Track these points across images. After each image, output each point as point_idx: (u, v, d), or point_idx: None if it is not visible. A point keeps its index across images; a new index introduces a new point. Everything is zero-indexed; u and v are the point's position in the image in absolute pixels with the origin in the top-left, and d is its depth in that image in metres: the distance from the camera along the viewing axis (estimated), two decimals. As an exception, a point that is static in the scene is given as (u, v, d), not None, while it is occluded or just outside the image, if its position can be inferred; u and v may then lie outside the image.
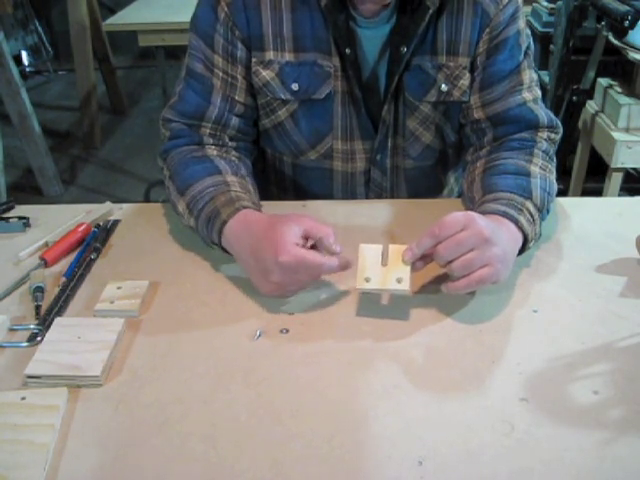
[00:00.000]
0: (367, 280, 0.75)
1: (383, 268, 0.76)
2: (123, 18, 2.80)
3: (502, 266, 0.76)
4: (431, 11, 0.92)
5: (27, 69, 4.65)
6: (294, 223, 0.76)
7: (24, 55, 4.66)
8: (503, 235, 0.78)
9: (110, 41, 3.68)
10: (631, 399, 0.66)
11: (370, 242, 0.92)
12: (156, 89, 3.99)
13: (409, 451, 0.60)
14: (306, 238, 0.77)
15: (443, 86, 1.00)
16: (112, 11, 3.60)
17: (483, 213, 0.84)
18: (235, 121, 0.99)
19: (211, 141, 0.98)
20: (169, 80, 2.69)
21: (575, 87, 2.28)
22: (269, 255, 0.74)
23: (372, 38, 0.97)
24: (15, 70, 2.74)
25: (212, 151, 0.96)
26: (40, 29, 4.74)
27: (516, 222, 0.82)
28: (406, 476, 0.58)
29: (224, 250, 0.85)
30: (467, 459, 0.59)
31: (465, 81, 1.00)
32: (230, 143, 1.00)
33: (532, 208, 0.86)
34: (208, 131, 0.98)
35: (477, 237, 0.73)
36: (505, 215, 0.83)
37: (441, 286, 0.77)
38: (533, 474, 0.58)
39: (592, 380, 0.68)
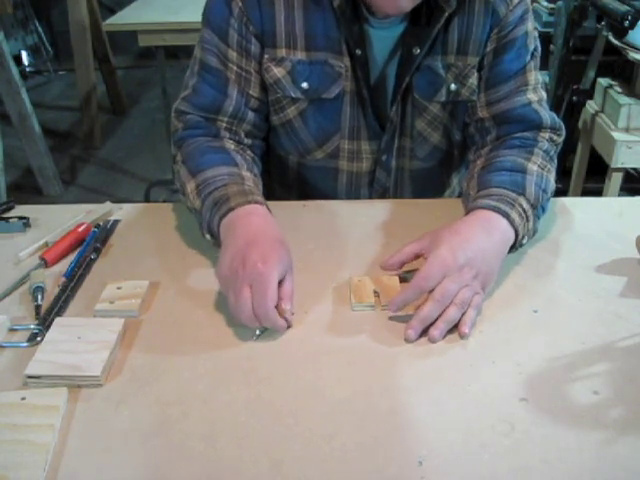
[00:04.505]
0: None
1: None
2: (123, 18, 2.79)
3: (484, 279, 0.78)
4: (447, 13, 0.92)
5: (27, 69, 4.66)
6: (286, 269, 0.76)
7: (24, 55, 4.66)
8: (482, 239, 0.79)
9: (110, 41, 3.67)
10: (631, 399, 0.66)
11: (370, 241, 0.92)
12: (156, 89, 3.99)
13: (409, 451, 0.60)
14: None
15: (452, 86, 1.00)
16: (112, 11, 3.60)
17: (474, 208, 0.84)
18: (251, 116, 0.99)
19: (228, 135, 0.98)
20: (169, 80, 2.69)
21: (575, 87, 2.28)
22: (254, 254, 0.73)
23: (384, 39, 0.97)
24: (15, 70, 2.75)
25: (230, 144, 0.96)
26: (40, 29, 4.75)
27: (507, 217, 0.82)
28: (406, 476, 0.58)
29: (216, 240, 0.84)
30: (467, 459, 0.59)
31: (474, 80, 1.00)
32: (246, 140, 1.00)
33: (525, 204, 0.86)
34: (224, 125, 0.98)
35: (458, 279, 0.75)
36: (496, 210, 0.83)
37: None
38: (533, 474, 0.58)
39: (592, 380, 0.68)
